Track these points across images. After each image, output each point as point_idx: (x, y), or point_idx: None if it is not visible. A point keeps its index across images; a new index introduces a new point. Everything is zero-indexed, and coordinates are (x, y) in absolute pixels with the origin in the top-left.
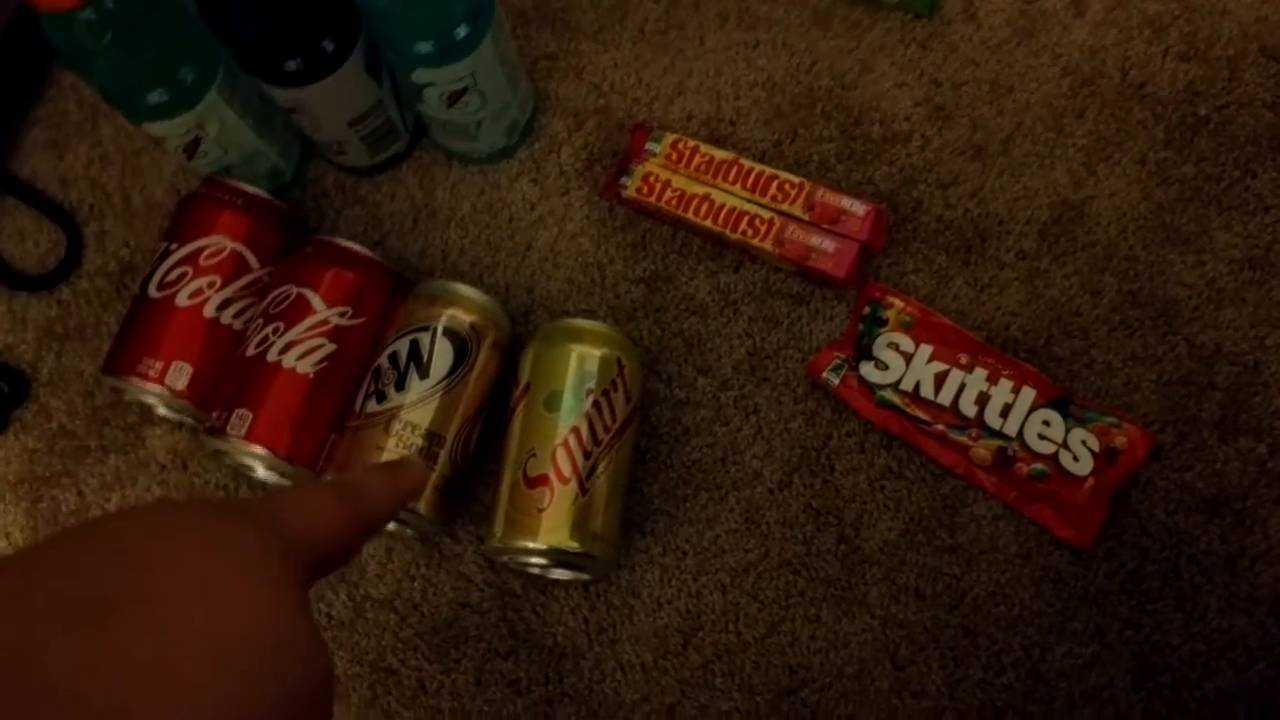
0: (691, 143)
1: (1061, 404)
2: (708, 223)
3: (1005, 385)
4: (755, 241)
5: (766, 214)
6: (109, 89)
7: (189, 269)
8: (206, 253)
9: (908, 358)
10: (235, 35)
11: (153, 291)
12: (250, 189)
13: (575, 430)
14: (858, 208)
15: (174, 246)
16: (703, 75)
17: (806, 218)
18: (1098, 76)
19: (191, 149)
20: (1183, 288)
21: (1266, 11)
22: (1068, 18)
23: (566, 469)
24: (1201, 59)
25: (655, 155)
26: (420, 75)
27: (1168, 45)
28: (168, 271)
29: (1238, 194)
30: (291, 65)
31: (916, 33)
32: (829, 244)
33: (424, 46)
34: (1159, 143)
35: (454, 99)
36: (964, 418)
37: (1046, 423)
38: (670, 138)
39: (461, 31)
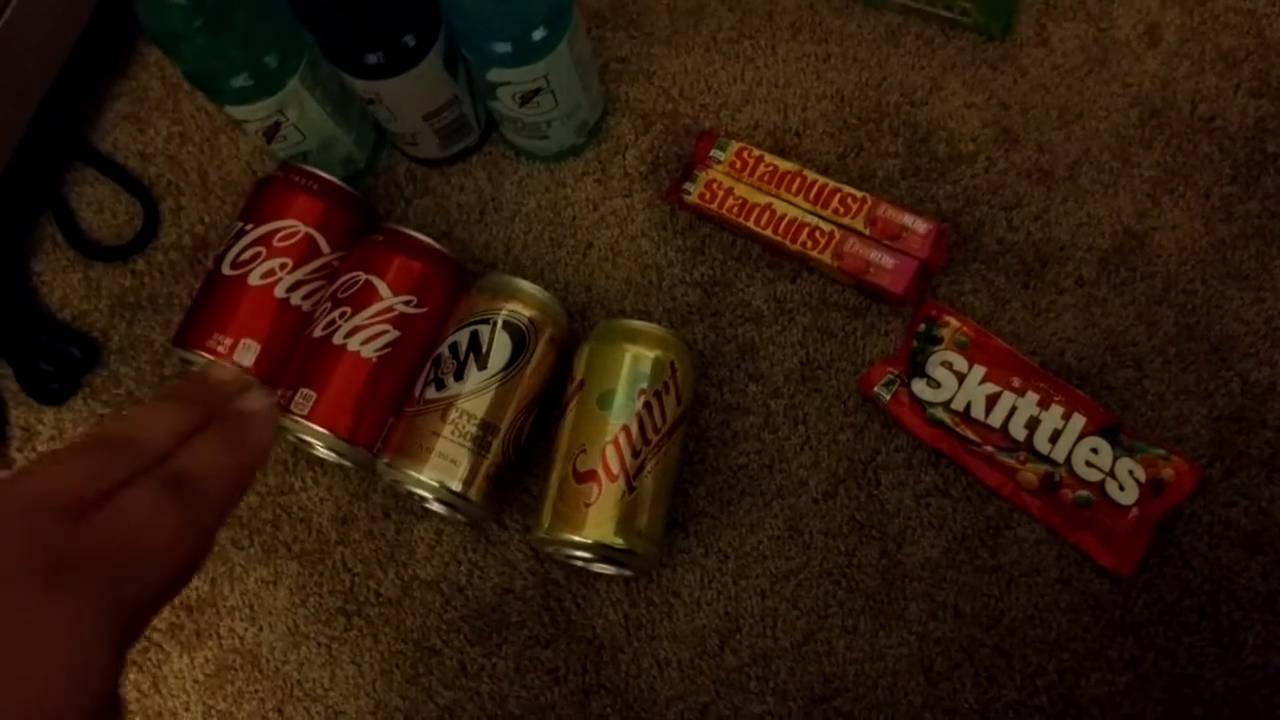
0: (756, 152)
1: (1111, 433)
2: (768, 232)
3: (1056, 411)
4: (815, 253)
5: (827, 227)
6: (195, 71)
7: (262, 249)
8: (280, 235)
9: (960, 377)
10: (321, 25)
11: (226, 269)
12: (325, 175)
13: (626, 429)
14: (919, 225)
15: (249, 227)
16: (772, 85)
17: (868, 232)
18: (1167, 108)
19: (271, 133)
20: (1240, 324)
21: None
22: (1141, 48)
23: (615, 466)
24: (1273, 96)
25: (720, 162)
26: (496, 74)
27: (1240, 81)
28: (242, 250)
29: None
30: (373, 58)
31: (988, 54)
32: (888, 260)
33: (502, 46)
34: (1225, 178)
35: (527, 98)
36: (1013, 440)
37: (1095, 450)
38: (736, 146)
39: (539, 33)
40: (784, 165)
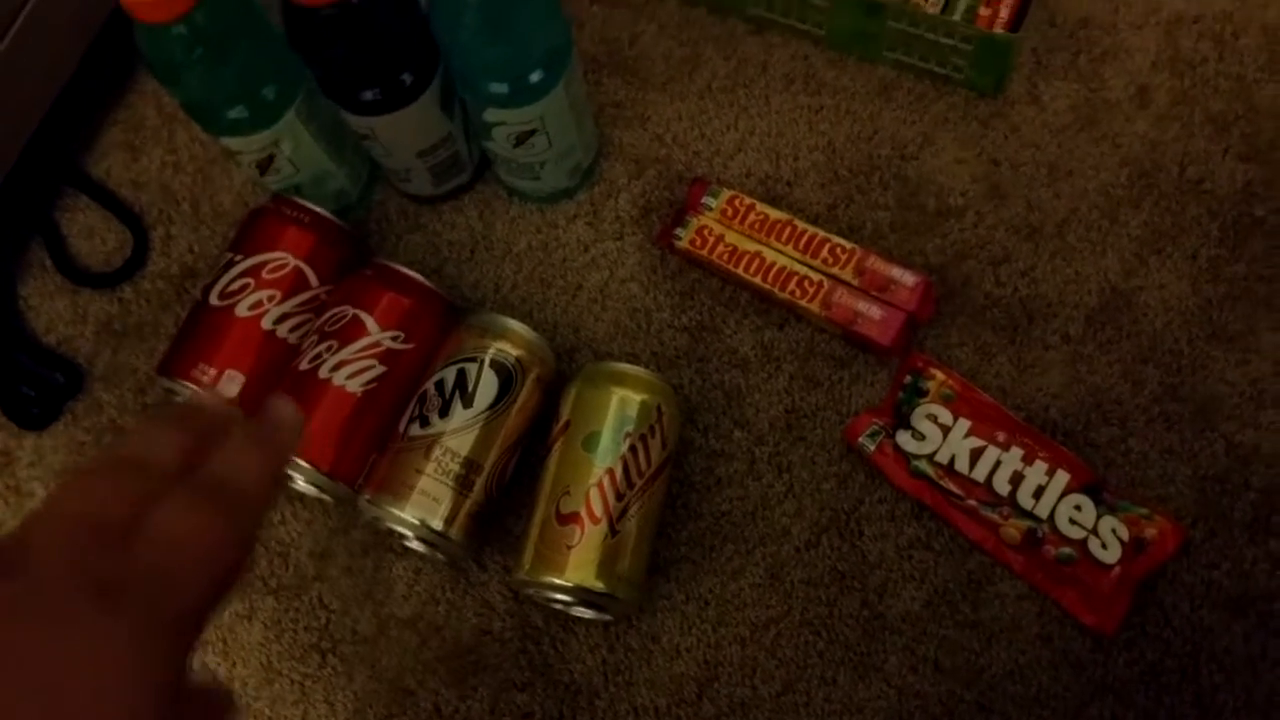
0: (748, 200)
1: (1094, 490)
2: (757, 279)
3: (1040, 467)
4: (803, 302)
5: (816, 276)
6: (192, 101)
7: (251, 281)
8: (269, 267)
9: (945, 430)
10: (318, 60)
11: (214, 300)
12: (316, 208)
13: (610, 471)
14: (907, 278)
15: (238, 258)
16: (765, 134)
17: (856, 283)
18: (1156, 170)
19: (265, 165)
20: (1225, 385)
21: None
22: (1131, 109)
23: (599, 509)
24: (1262, 160)
25: (711, 209)
26: (492, 114)
27: (1228, 144)
28: (230, 281)
29: None
30: (369, 94)
31: (979, 110)
32: (876, 311)
33: (498, 87)
34: (1213, 240)
35: (522, 139)
36: (996, 495)
37: (1078, 508)
38: (727, 193)
39: (536, 76)
40: (774, 214)
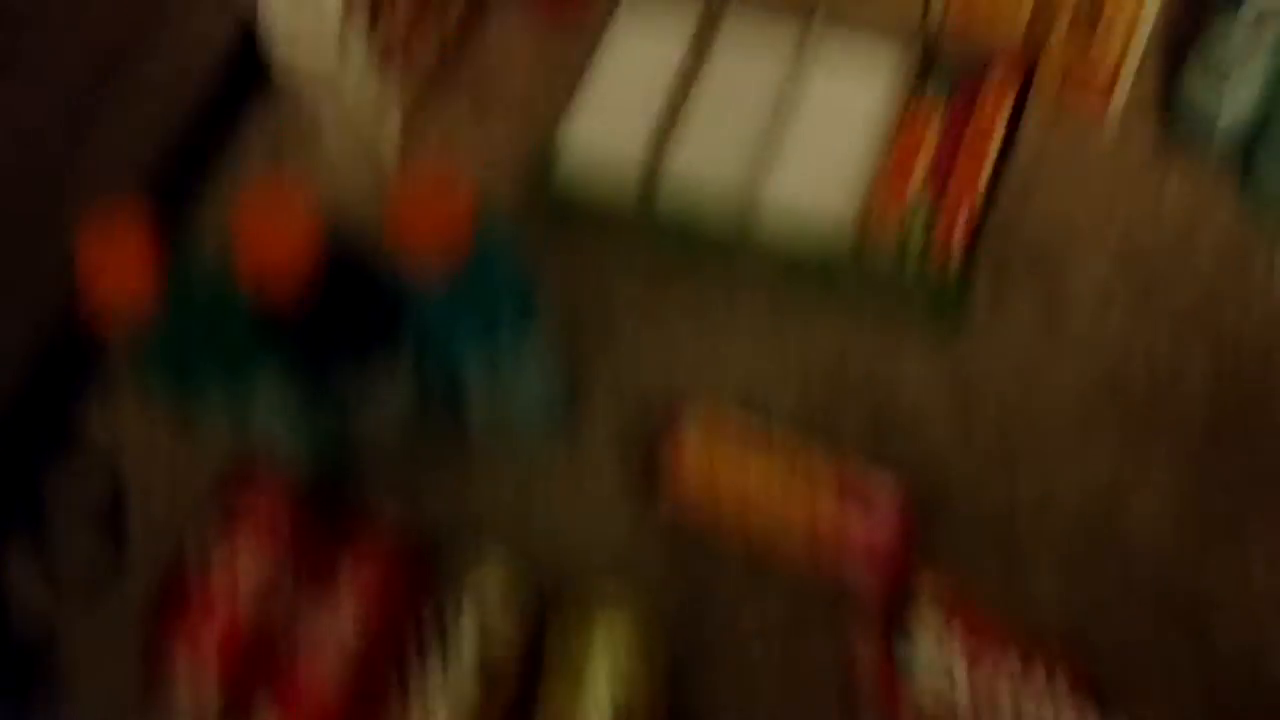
0: (726, 417)
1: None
2: (742, 494)
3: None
4: (788, 527)
5: (800, 487)
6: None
7: None
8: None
9: (943, 652)
10: (285, 354)
11: None
12: (289, 471)
13: None
14: (885, 488)
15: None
16: (737, 355)
17: (838, 502)
18: (1126, 370)
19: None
20: (1220, 584)
21: None
22: (1094, 310)
23: None
24: (1230, 352)
25: (691, 430)
26: (465, 373)
27: (1194, 341)
28: None
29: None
30: (340, 372)
31: (945, 325)
32: (861, 530)
33: (470, 346)
34: (1194, 436)
35: (495, 391)
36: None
37: None
38: (706, 412)
39: (507, 333)
40: (753, 429)
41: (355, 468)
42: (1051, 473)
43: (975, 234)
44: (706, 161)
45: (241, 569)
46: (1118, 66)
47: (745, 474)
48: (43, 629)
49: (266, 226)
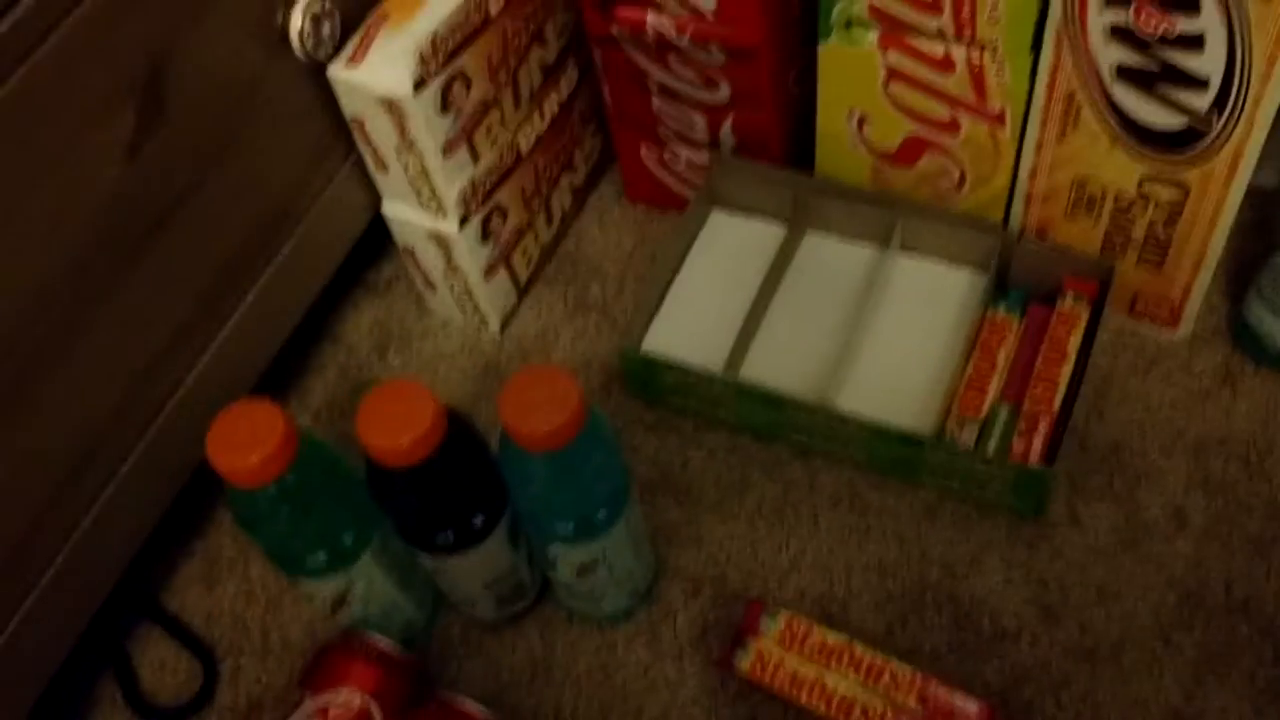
0: (805, 623)
1: None
2: (821, 708)
3: None
4: None
5: (880, 705)
6: (274, 549)
7: None
8: (336, 705)
9: None
10: (396, 507)
11: None
12: (384, 643)
13: None
14: (970, 706)
15: (307, 695)
16: (816, 553)
17: (920, 710)
18: (1202, 589)
19: (338, 604)
20: None
21: None
22: (1170, 530)
23: None
24: None
25: (769, 634)
26: (556, 549)
27: (1270, 565)
28: None
29: None
30: (443, 537)
31: (1023, 533)
32: None
33: (564, 527)
34: (1268, 661)
35: (584, 570)
36: None
37: None
38: (785, 615)
39: (600, 514)
40: (833, 638)
41: (437, 631)
42: (1129, 689)
43: (1052, 448)
44: (784, 372)
45: None
46: (1187, 290)
47: (823, 689)
48: None
49: (393, 401)
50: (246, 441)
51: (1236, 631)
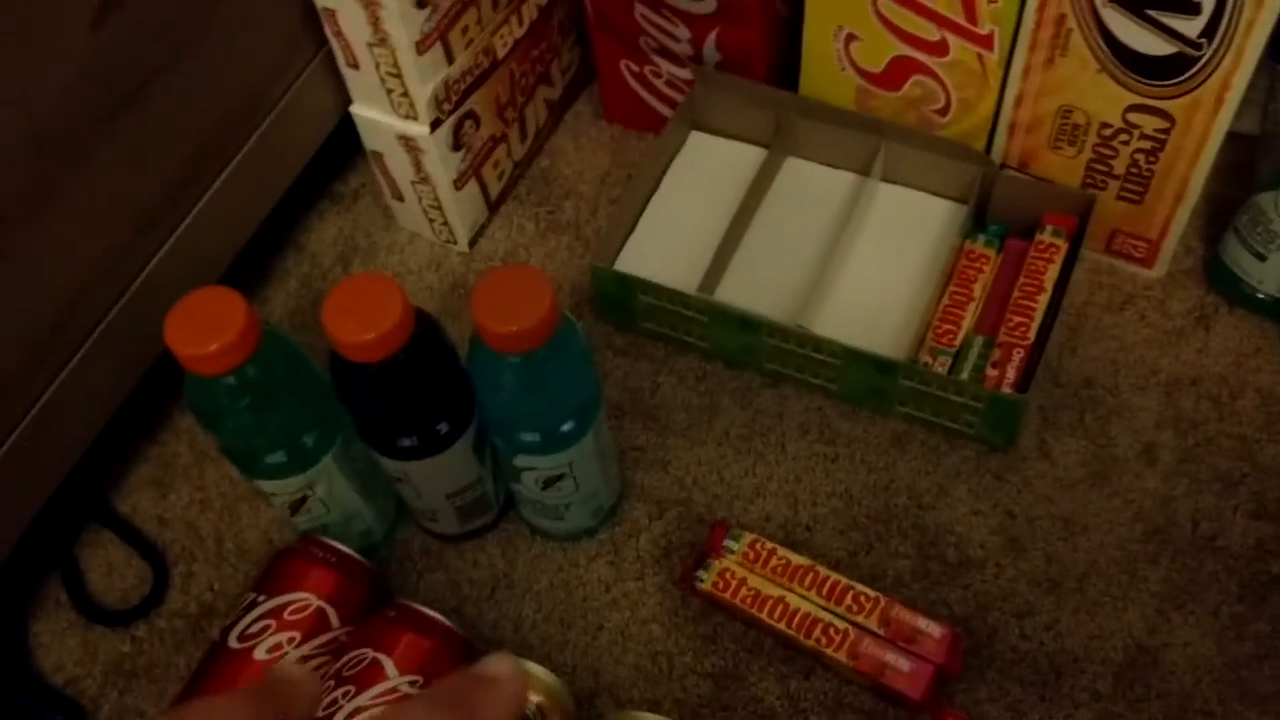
0: (769, 544)
1: None
2: (782, 625)
3: None
4: (829, 651)
5: (841, 624)
6: (233, 446)
7: (272, 622)
8: (292, 608)
9: None
10: (359, 409)
11: (233, 642)
12: (343, 549)
13: None
14: (934, 629)
15: (261, 598)
16: (782, 480)
17: (882, 633)
18: (1170, 525)
19: (297, 506)
20: None
21: None
22: (1140, 465)
23: None
24: (1271, 518)
25: (733, 553)
26: (522, 460)
27: (1237, 502)
28: (251, 623)
29: None
30: (406, 441)
31: (992, 464)
32: (904, 663)
33: (530, 436)
34: (1232, 597)
35: (550, 483)
36: None
37: None
38: (749, 537)
39: (567, 426)
40: (796, 559)
41: (397, 544)
42: (1094, 620)
43: (1024, 380)
44: (759, 297)
45: (288, 636)
46: (1165, 228)
47: (785, 607)
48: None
49: (361, 295)
50: (206, 328)
51: (1203, 567)
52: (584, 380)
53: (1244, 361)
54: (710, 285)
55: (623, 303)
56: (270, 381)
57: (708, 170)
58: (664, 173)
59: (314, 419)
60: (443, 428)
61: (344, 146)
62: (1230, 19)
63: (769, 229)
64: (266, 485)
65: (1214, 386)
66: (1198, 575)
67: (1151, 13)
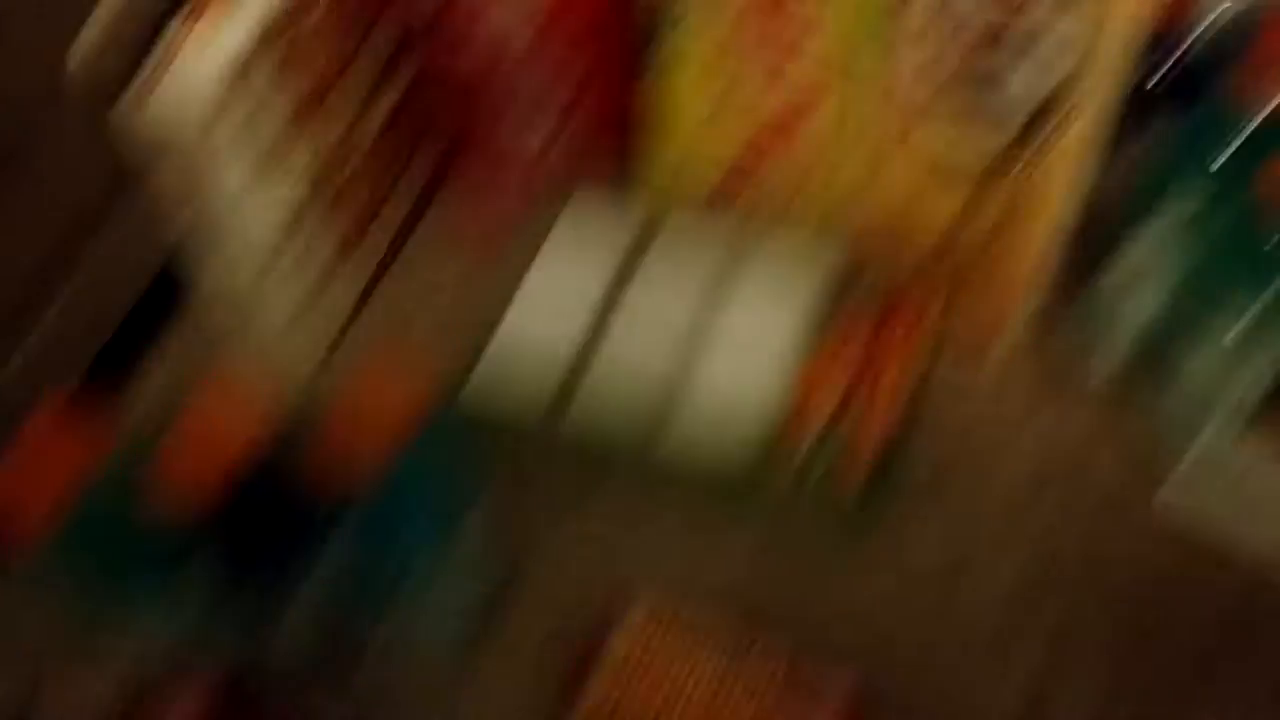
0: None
1: None
2: None
3: None
4: None
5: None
6: None
7: None
8: None
9: None
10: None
11: None
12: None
13: None
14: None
15: None
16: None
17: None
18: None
19: None
20: None
21: None
22: (993, 554)
23: None
24: (1129, 603)
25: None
26: None
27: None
28: None
29: None
30: None
31: (850, 548)
32: None
33: None
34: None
35: None
36: None
37: None
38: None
39: None
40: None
41: (271, 674)
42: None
43: (882, 459)
44: (624, 382)
45: None
46: (1016, 299)
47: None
48: None
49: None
50: None
51: (1070, 635)
52: (444, 493)
53: (1092, 432)
54: (574, 380)
55: (482, 414)
56: None
57: (570, 268)
58: (525, 275)
59: None
60: None
61: None
62: None
63: (634, 320)
64: None
65: (1063, 460)
66: (1074, 637)
67: None
